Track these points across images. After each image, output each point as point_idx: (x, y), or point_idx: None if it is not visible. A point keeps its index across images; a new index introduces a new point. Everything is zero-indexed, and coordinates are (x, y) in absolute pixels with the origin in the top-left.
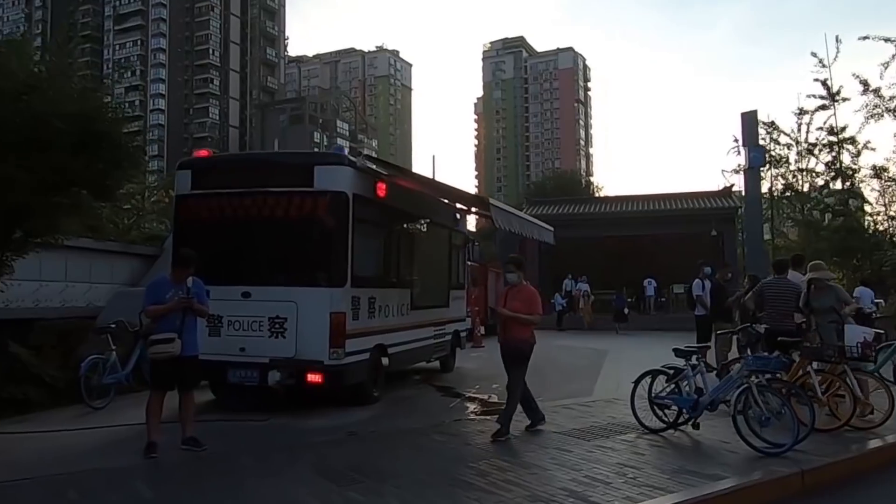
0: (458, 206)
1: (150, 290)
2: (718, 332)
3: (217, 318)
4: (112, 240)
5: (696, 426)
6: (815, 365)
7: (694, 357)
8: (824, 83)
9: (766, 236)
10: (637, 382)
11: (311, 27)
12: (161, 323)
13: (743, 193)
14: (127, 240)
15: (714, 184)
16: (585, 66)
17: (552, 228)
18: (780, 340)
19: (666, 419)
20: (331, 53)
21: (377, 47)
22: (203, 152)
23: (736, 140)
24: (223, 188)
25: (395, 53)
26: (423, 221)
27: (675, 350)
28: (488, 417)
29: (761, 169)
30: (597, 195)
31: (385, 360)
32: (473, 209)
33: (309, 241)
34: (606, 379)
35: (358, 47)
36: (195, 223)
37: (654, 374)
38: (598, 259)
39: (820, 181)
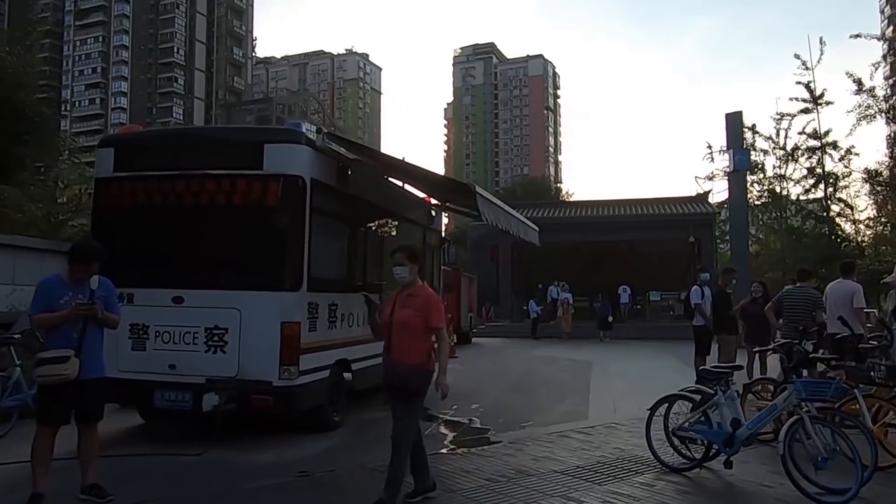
0: (437, 197)
1: (38, 293)
2: (756, 349)
3: (142, 329)
4: (38, 236)
5: (728, 465)
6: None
7: (724, 381)
8: (807, 86)
9: None
10: (654, 410)
11: (280, 28)
12: (53, 336)
13: (719, 199)
14: (64, 237)
15: (690, 190)
16: (555, 74)
17: (538, 229)
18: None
19: (689, 455)
20: (299, 55)
21: (346, 50)
22: (130, 127)
23: (709, 147)
24: (152, 170)
25: (365, 57)
26: (394, 216)
27: (701, 372)
28: (472, 450)
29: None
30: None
31: (348, 377)
32: (449, 204)
33: (256, 234)
34: (600, 398)
35: (327, 49)
36: (117, 212)
37: (672, 399)
38: (571, 265)
39: (799, 188)
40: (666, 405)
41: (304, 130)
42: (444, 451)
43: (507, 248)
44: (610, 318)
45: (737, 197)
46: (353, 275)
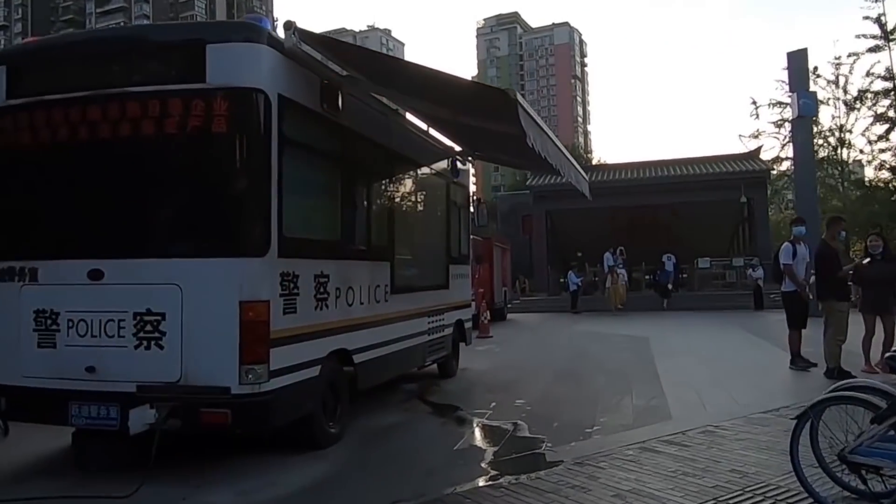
0: (466, 142)
1: None
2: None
3: (51, 318)
4: None
5: None
6: None
7: None
8: (878, 20)
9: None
10: (802, 421)
11: (301, 8)
12: None
13: (768, 157)
14: None
15: (736, 149)
16: (582, 41)
17: (587, 178)
18: None
19: (863, 488)
20: (321, 33)
21: (368, 26)
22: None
23: (754, 102)
24: (56, 92)
25: (387, 32)
26: (408, 162)
27: (889, 360)
28: (523, 478)
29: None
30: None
31: (349, 372)
32: (480, 152)
33: (200, 176)
34: (676, 387)
35: (349, 27)
36: (11, 156)
37: (829, 404)
38: (607, 233)
39: (862, 140)
40: (815, 413)
41: (265, 26)
42: (481, 481)
43: (540, 217)
44: (669, 286)
45: (803, 146)
46: (353, 235)
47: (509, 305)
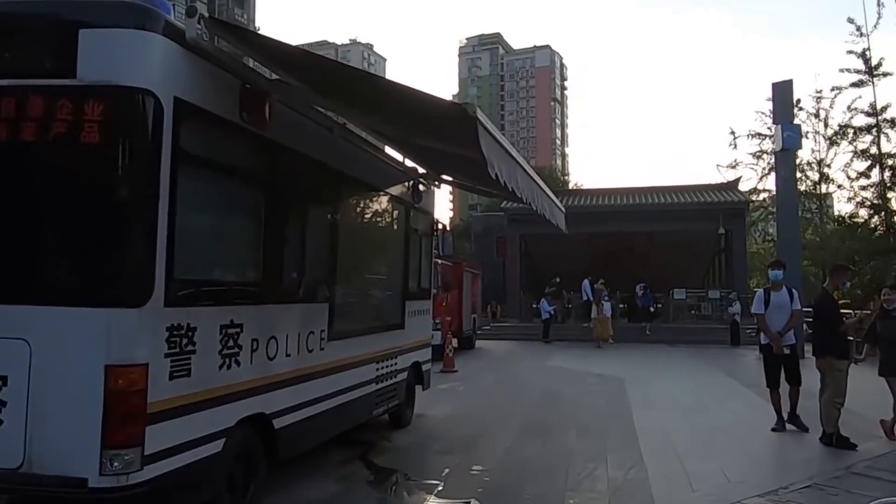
0: (429, 164)
1: None
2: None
3: None
4: None
5: None
6: None
7: None
8: (862, 54)
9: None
10: None
11: (283, 18)
12: None
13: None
14: None
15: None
16: (562, 65)
17: (564, 210)
18: None
19: None
20: (303, 45)
21: (350, 40)
22: None
23: (732, 132)
24: None
25: (369, 47)
26: (358, 185)
27: None
28: None
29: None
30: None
31: (268, 440)
32: (449, 175)
33: (63, 200)
34: (656, 452)
35: (331, 40)
36: None
37: None
38: (583, 259)
39: (842, 175)
40: None
41: (163, 9)
42: None
43: (514, 240)
44: (652, 309)
45: (786, 181)
46: (279, 274)
47: (479, 332)
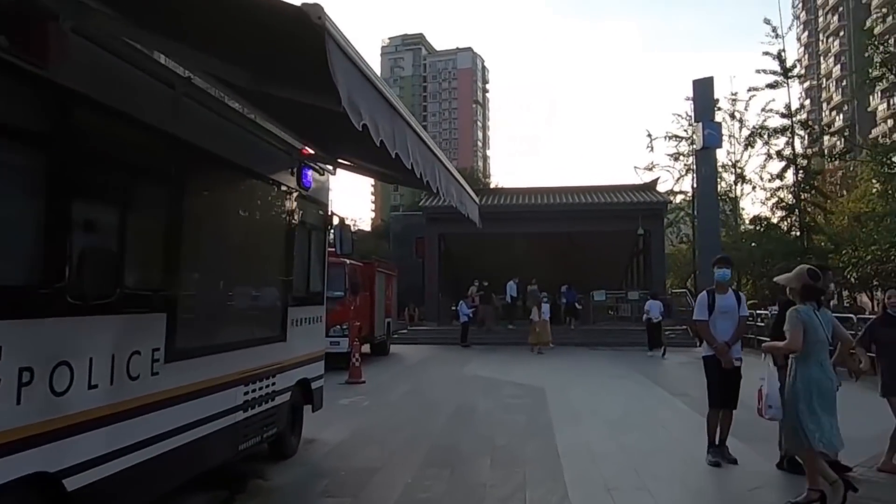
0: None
1: None
2: None
3: None
4: None
5: None
6: None
7: None
8: (778, 55)
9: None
10: None
11: None
12: None
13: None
14: None
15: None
16: (484, 67)
17: (478, 202)
18: None
19: None
20: None
21: None
22: None
23: (649, 135)
24: None
25: None
26: (209, 153)
27: None
28: None
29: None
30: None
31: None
32: (346, 158)
33: None
34: (581, 480)
35: None
36: None
37: None
38: (503, 260)
39: (756, 177)
40: None
41: None
42: None
43: (433, 240)
44: (578, 305)
45: (706, 179)
46: (77, 274)
47: (395, 336)
